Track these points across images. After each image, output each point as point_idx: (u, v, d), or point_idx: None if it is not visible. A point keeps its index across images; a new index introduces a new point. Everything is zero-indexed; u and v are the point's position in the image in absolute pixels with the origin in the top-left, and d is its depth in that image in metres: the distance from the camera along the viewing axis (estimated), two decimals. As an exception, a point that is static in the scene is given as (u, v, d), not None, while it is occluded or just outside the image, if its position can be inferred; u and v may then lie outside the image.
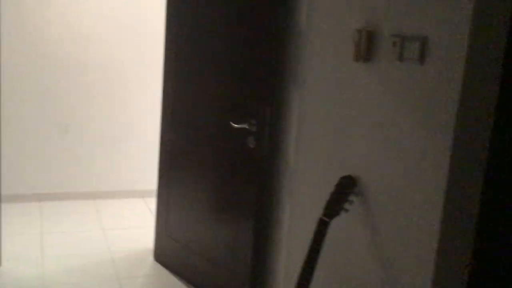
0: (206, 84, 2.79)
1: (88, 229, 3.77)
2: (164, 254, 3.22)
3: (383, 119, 1.83)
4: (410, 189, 1.72)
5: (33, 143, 4.15)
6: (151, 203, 4.32)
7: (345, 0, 2.03)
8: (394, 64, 1.77)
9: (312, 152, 2.26)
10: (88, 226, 3.81)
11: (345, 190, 1.94)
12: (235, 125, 2.57)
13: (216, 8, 2.70)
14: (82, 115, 4.26)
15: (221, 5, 2.66)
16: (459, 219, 1.63)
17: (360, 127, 1.95)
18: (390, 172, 1.80)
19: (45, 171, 4.22)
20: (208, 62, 2.77)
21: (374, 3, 1.87)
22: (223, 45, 2.67)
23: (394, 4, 1.77)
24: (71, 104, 4.21)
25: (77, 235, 3.64)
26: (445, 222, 1.60)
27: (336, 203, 1.93)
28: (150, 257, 3.37)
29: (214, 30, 2.72)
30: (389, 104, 1.80)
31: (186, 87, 2.94)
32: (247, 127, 2.54)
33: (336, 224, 2.00)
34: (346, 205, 1.94)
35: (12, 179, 4.04)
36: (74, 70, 4.16)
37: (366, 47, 1.89)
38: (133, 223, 3.97)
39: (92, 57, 4.20)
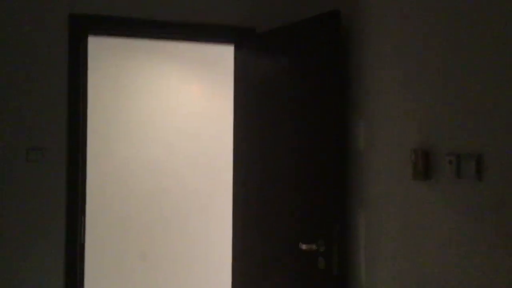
0: (274, 206, 2.90)
1: None
2: None
3: (451, 236, 1.81)
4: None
5: (113, 268, 4.35)
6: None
7: (400, 121, 2.14)
8: (453, 181, 1.80)
9: (384, 271, 2.23)
10: None
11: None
12: (304, 246, 2.61)
13: (282, 134, 2.88)
14: (159, 243, 4.47)
15: (288, 134, 2.84)
16: None
17: (429, 243, 1.93)
18: (464, 292, 1.74)
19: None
20: (275, 183, 2.90)
21: (427, 123, 1.95)
22: (289, 168, 2.80)
23: (448, 124, 1.84)
24: (149, 233, 4.45)
25: None
26: None
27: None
28: None
29: (280, 154, 2.87)
30: (454, 221, 1.80)
31: (255, 211, 3.06)
32: (315, 247, 2.56)
33: None
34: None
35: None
36: (152, 200, 4.47)
37: (424, 165, 1.94)
38: None
39: (169, 188, 4.51)
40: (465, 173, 1.73)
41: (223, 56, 4.30)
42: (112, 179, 4.39)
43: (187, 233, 4.53)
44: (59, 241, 2.76)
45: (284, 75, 2.83)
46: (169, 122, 4.58)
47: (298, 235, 2.69)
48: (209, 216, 4.57)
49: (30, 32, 2.77)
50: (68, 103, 2.81)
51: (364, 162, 2.41)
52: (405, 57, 2.11)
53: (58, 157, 2.78)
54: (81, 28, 2.87)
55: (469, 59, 1.74)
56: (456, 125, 1.80)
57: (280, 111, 2.86)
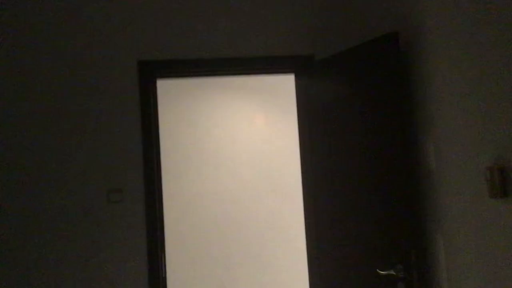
0: (348, 232, 2.86)
1: None
2: None
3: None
4: None
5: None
6: None
7: (471, 140, 2.06)
8: (534, 198, 1.70)
9: (467, 296, 2.13)
10: None
11: None
12: (382, 272, 2.54)
13: (351, 159, 2.86)
14: (236, 274, 4.52)
15: (356, 159, 2.82)
16: None
17: (509, 263, 1.83)
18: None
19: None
20: (347, 208, 2.86)
21: (502, 139, 1.87)
22: (360, 193, 2.76)
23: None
24: (226, 265, 4.52)
25: None
26: None
27: None
28: None
29: (350, 180, 2.84)
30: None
31: (328, 237, 3.03)
32: (394, 273, 2.49)
33: None
34: None
35: None
36: (227, 231, 4.56)
37: (500, 183, 1.85)
38: None
39: (242, 218, 4.57)
40: (546, 189, 1.64)
41: (286, 83, 4.38)
42: (186, 214, 4.53)
43: (262, 262, 4.56)
44: (143, 277, 2.89)
45: (346, 100, 2.83)
46: (237, 153, 4.68)
47: (376, 260, 2.63)
48: (283, 244, 4.57)
49: (102, 80, 2.98)
50: (142, 145, 2.97)
51: (438, 184, 2.33)
52: (473, 76, 2.05)
53: (136, 197, 2.93)
54: (150, 73, 3.05)
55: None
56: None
57: (346, 136, 2.84)
